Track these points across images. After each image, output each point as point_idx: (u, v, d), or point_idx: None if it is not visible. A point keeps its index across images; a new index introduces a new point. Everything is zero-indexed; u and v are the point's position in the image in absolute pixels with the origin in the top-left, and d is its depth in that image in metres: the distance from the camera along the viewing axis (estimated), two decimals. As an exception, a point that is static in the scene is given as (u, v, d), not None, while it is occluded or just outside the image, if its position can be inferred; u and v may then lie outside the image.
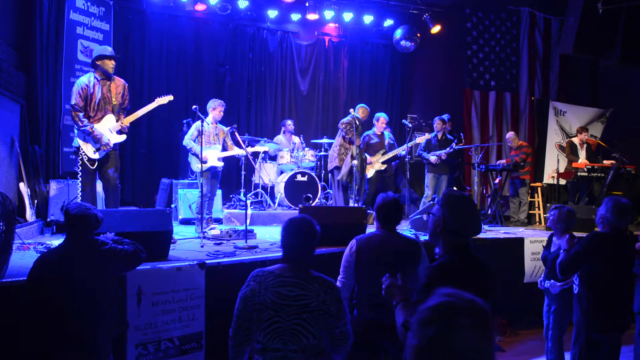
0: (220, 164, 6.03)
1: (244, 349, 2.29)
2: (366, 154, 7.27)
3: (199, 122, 5.75)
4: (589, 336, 3.26)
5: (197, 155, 5.72)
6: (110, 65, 4.90)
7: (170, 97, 5.38)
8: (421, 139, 7.46)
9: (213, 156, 5.92)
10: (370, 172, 7.26)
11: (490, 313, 1.15)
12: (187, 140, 5.90)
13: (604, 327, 3.24)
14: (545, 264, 4.03)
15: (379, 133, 7.43)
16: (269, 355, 2.16)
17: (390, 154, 7.33)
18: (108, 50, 5.00)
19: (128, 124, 5.05)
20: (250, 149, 6.33)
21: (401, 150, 7.32)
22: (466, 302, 1.13)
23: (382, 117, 7.42)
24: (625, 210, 3.26)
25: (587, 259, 3.26)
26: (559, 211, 3.90)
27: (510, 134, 8.24)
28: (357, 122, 6.91)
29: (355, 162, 6.94)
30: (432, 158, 7.35)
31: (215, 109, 6.05)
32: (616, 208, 3.25)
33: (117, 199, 5.01)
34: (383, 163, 7.31)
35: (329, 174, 7.38)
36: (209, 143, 5.93)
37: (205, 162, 5.74)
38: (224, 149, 6.11)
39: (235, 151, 6.18)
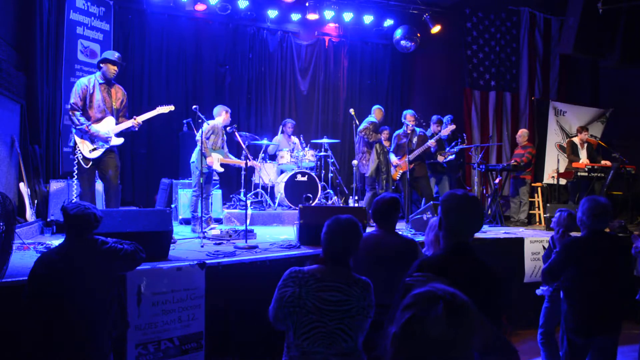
0: (221, 169, 6.12)
1: None
2: (392, 155, 7.23)
3: (213, 121, 6.05)
4: (570, 339, 3.19)
5: (205, 156, 5.79)
6: (112, 70, 4.95)
7: (172, 107, 5.45)
8: (446, 131, 7.12)
9: (216, 160, 6.01)
10: (398, 175, 7.09)
11: (473, 312, 1.16)
12: (203, 138, 5.88)
13: (584, 332, 3.14)
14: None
15: (409, 132, 7.16)
16: (310, 357, 2.13)
17: (414, 154, 6.98)
18: (115, 55, 5.05)
19: (141, 122, 5.11)
20: (250, 163, 6.39)
21: (427, 146, 6.94)
22: (447, 293, 1.15)
23: (408, 114, 7.23)
24: (600, 211, 3.09)
25: (565, 265, 3.17)
26: (560, 214, 3.93)
27: (522, 131, 8.23)
28: (374, 126, 7.27)
29: (354, 162, 7.24)
30: (440, 158, 7.32)
31: (225, 112, 6.21)
32: (591, 210, 3.10)
33: (118, 198, 5.05)
34: (410, 162, 6.98)
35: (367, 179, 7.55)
36: (216, 145, 6.05)
37: (209, 165, 5.86)
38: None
39: (232, 161, 6.33)
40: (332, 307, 2.15)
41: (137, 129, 5.17)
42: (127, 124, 5.03)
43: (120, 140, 5.03)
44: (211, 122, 6.07)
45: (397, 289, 2.11)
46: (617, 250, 3.20)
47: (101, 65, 4.97)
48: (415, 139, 7.16)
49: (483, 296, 1.96)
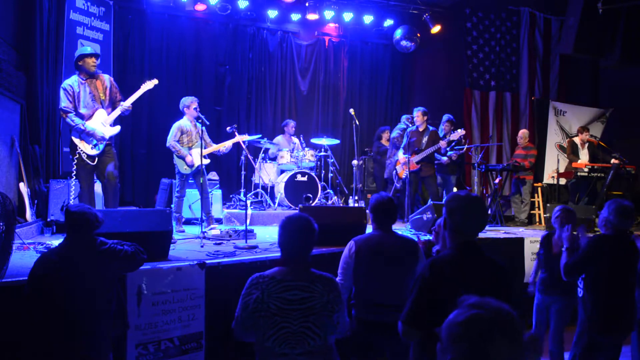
0: (207, 161, 6.04)
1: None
2: (400, 152, 7.29)
3: (180, 122, 5.94)
4: (592, 337, 3.24)
5: (183, 158, 5.84)
6: (91, 63, 4.89)
7: (155, 81, 5.35)
8: (455, 136, 7.05)
9: (197, 156, 5.92)
10: (404, 173, 7.06)
11: (517, 317, 1.13)
12: (173, 142, 5.87)
13: (607, 330, 3.22)
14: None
15: (420, 130, 7.13)
16: (277, 359, 2.15)
17: (422, 154, 6.97)
18: (87, 50, 5.00)
19: (130, 105, 5.02)
20: (242, 137, 6.22)
21: (438, 147, 6.94)
22: (493, 312, 1.12)
23: (416, 112, 7.20)
24: (628, 212, 3.24)
25: (590, 262, 3.25)
26: (561, 211, 3.94)
27: (523, 131, 8.21)
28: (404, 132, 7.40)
29: (354, 162, 7.35)
30: (444, 158, 7.32)
31: (190, 106, 5.98)
32: (619, 210, 3.23)
33: (117, 197, 4.99)
34: (418, 163, 6.98)
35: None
36: (192, 142, 5.96)
37: (191, 165, 5.81)
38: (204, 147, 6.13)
39: (216, 147, 6.12)
40: (295, 306, 2.16)
41: (129, 111, 5.07)
42: (117, 112, 4.97)
43: (117, 129, 4.99)
44: (176, 123, 5.99)
45: (409, 289, 2.13)
46: (633, 251, 3.31)
47: (79, 63, 4.90)
48: (425, 139, 7.08)
49: (496, 291, 2.00)
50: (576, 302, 3.73)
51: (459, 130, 7.09)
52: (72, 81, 4.92)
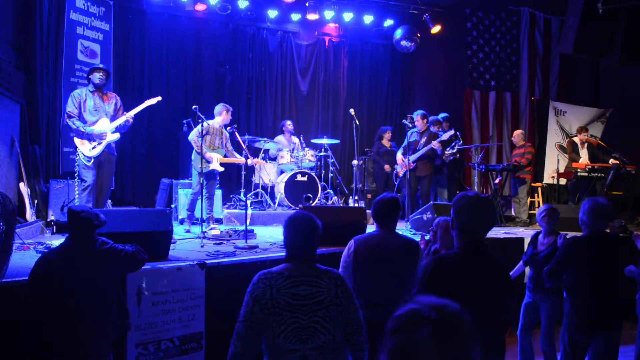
0: (221, 169, 6.07)
1: (252, 355, 2.16)
2: (398, 153, 7.37)
3: (208, 121, 5.97)
4: (571, 337, 3.22)
5: (202, 155, 5.80)
6: (97, 76, 5.22)
7: (159, 98, 5.58)
8: (445, 136, 7.11)
9: (215, 159, 5.95)
10: (402, 173, 7.13)
11: (468, 323, 1.04)
12: (195, 138, 5.88)
13: (584, 329, 3.17)
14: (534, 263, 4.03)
15: (421, 131, 7.27)
16: (288, 356, 2.12)
17: (417, 154, 7.09)
18: (100, 65, 5.42)
19: (132, 118, 5.29)
20: (250, 161, 6.28)
21: (430, 147, 7.01)
22: (432, 309, 1.03)
23: (416, 116, 7.29)
24: (601, 211, 3.13)
25: (568, 265, 3.20)
26: (541, 210, 3.96)
27: (517, 132, 8.20)
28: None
29: (354, 162, 7.28)
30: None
31: (226, 111, 6.16)
32: (592, 209, 3.14)
33: (106, 198, 5.39)
34: (414, 162, 7.05)
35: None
36: (213, 145, 6.00)
37: (210, 162, 5.86)
38: (225, 154, 6.18)
39: (235, 159, 6.28)
40: (304, 301, 2.15)
41: (131, 122, 5.32)
42: (120, 120, 5.23)
43: (116, 136, 5.24)
44: (209, 122, 6.04)
45: (410, 289, 2.13)
46: (617, 249, 3.24)
47: (89, 76, 5.27)
48: (423, 140, 7.16)
49: (495, 294, 2.01)
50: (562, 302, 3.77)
51: (448, 132, 7.16)
52: (81, 90, 5.27)
